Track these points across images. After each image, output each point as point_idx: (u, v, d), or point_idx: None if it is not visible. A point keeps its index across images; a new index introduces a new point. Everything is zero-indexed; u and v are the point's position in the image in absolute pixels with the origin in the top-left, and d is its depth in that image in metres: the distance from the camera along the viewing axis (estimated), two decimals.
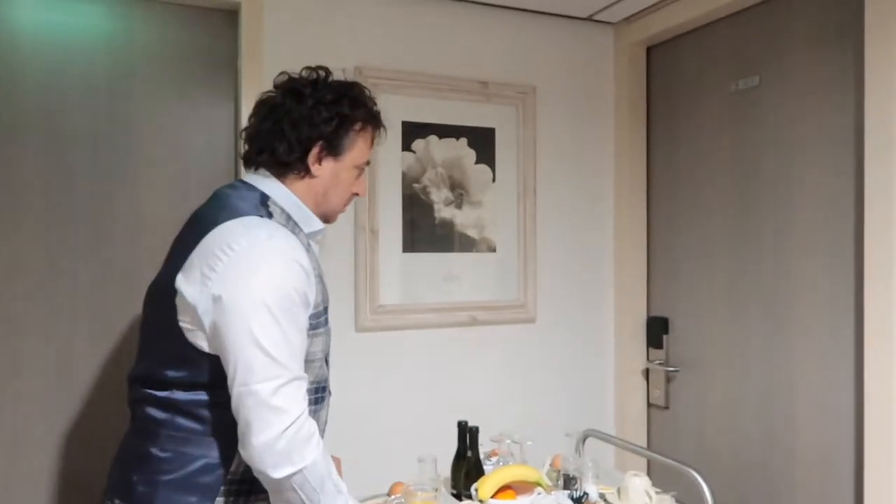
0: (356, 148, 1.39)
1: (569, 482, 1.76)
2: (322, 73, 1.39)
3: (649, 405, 2.44)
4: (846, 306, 1.79)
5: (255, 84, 1.94)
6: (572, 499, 1.64)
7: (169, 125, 1.93)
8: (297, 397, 1.20)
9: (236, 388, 1.17)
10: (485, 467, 1.80)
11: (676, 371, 2.32)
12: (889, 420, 1.63)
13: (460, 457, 1.81)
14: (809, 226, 1.88)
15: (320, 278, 1.32)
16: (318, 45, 2.03)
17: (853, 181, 1.77)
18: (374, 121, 1.42)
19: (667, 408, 2.37)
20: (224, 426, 1.23)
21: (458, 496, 1.80)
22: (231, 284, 1.17)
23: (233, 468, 1.24)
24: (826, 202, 1.84)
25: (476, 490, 1.67)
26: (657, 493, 1.77)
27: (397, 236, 2.13)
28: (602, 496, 1.68)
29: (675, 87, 2.33)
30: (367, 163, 1.45)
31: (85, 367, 1.83)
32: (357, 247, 2.07)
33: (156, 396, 1.26)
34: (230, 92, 1.99)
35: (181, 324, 1.21)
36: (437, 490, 1.61)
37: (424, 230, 2.17)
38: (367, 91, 1.43)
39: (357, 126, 1.38)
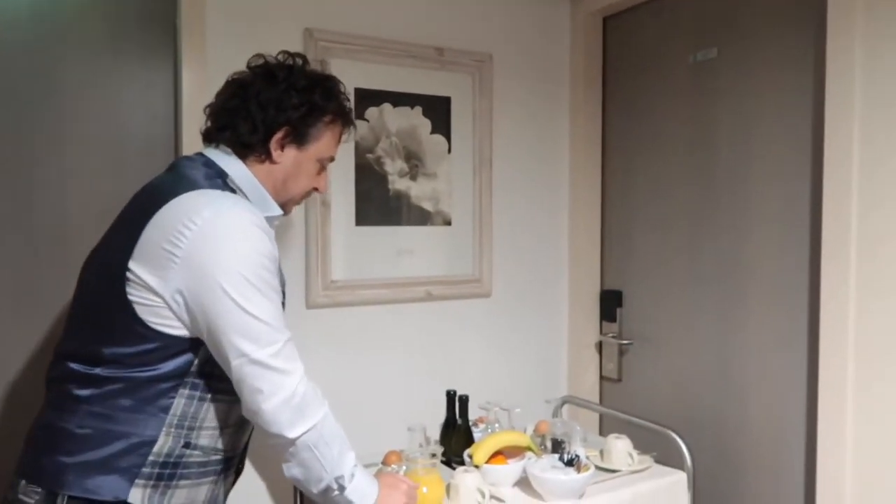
0: (322, 140, 1.38)
1: (557, 446, 1.81)
2: (299, 60, 1.39)
3: (602, 378, 2.45)
4: (801, 281, 1.81)
5: (196, 42, 1.81)
6: (563, 461, 1.66)
7: (100, 85, 1.76)
8: (295, 356, 1.24)
9: (235, 362, 1.18)
10: (473, 434, 1.85)
11: (629, 344, 2.34)
12: (841, 395, 1.66)
13: (450, 425, 1.87)
14: (766, 201, 1.90)
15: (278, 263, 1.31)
16: (265, 3, 1.90)
17: (810, 156, 1.78)
18: (344, 116, 1.42)
19: (619, 380, 2.38)
20: (156, 405, 1.21)
21: (448, 463, 1.82)
22: (203, 261, 1.16)
23: (156, 448, 1.20)
24: (783, 177, 1.86)
25: (470, 456, 1.70)
26: (638, 454, 1.81)
27: (350, 209, 2.04)
28: (587, 458, 1.71)
29: (631, 58, 2.31)
30: (332, 159, 1.44)
31: (6, 346, 1.68)
32: (308, 219, 1.97)
33: (83, 373, 1.21)
34: (169, 51, 1.84)
35: (131, 298, 1.18)
36: (434, 456, 1.64)
37: (378, 202, 2.09)
38: (342, 86, 1.42)
39: (327, 118, 1.37)
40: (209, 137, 1.37)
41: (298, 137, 1.35)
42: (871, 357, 1.62)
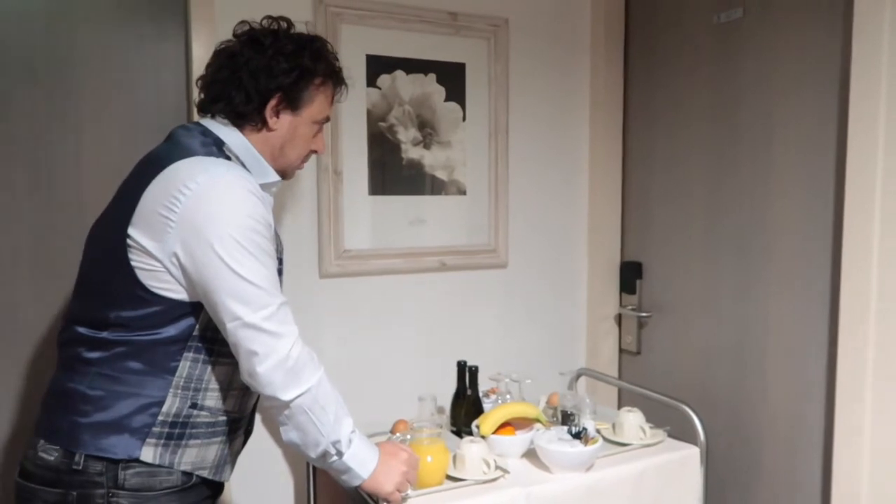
0: (316, 102, 1.38)
1: (567, 418, 1.80)
2: (284, 23, 1.38)
3: (621, 351, 2.41)
4: (823, 251, 1.74)
5: (206, 13, 1.80)
6: (571, 434, 1.65)
7: (113, 58, 1.77)
8: (290, 320, 1.26)
9: (230, 325, 1.20)
10: (483, 405, 1.85)
11: (649, 316, 2.29)
12: (861, 366, 1.60)
13: (459, 395, 1.86)
14: (789, 169, 1.82)
15: (274, 230, 1.31)
16: None
17: (836, 123, 1.69)
18: (335, 76, 1.42)
19: (638, 353, 2.34)
20: (162, 366, 1.24)
21: (458, 433, 1.84)
22: (197, 224, 1.18)
23: (164, 409, 1.24)
24: (807, 144, 1.77)
25: (477, 427, 1.70)
26: (651, 427, 1.78)
27: (363, 178, 2.03)
28: (598, 431, 1.69)
29: (654, 20, 2.22)
30: (327, 119, 1.45)
31: (27, 314, 1.72)
32: (320, 189, 1.96)
33: (91, 337, 1.24)
34: (179, 22, 1.83)
35: (133, 263, 1.21)
36: (440, 427, 1.65)
37: (391, 171, 2.06)
38: (329, 46, 1.42)
39: (317, 80, 1.37)
40: (204, 108, 1.39)
41: (292, 102, 1.35)
42: (893, 333, 1.55)
